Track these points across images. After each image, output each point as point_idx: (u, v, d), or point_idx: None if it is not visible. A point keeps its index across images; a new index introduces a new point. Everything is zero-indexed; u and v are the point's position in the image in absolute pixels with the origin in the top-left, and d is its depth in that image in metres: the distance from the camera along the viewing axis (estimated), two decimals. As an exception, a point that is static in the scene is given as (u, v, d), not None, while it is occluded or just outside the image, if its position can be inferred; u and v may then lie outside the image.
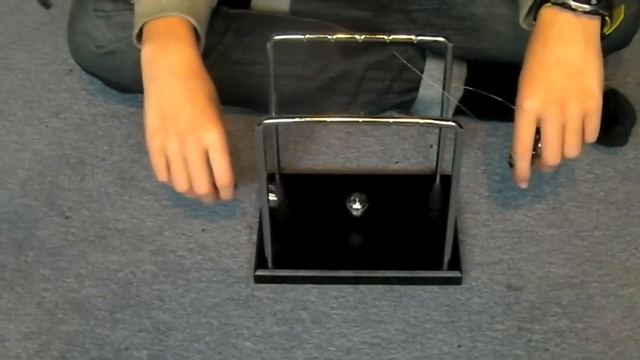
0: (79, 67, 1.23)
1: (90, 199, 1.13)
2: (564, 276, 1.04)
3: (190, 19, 0.98)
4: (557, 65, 0.94)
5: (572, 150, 0.96)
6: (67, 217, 1.11)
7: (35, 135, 1.22)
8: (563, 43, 0.94)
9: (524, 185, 1.00)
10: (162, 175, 0.96)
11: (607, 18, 0.95)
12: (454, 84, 1.15)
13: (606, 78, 1.17)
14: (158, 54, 0.96)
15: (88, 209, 1.12)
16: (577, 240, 1.08)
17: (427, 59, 1.17)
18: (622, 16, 0.97)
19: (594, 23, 0.94)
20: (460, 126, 0.88)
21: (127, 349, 0.98)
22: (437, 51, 1.18)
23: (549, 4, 0.95)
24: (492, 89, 1.12)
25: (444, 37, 0.98)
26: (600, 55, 0.95)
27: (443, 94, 1.04)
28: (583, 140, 0.96)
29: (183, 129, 0.93)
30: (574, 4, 0.93)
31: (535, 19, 0.97)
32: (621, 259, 1.06)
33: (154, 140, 0.95)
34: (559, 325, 1.00)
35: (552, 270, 1.05)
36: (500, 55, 1.18)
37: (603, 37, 0.96)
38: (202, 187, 0.96)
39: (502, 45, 1.17)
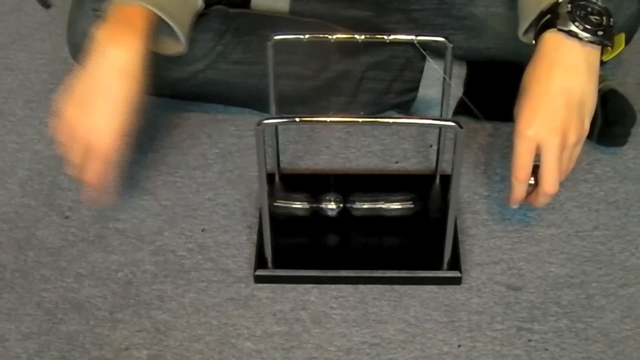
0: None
1: (90, 199, 1.13)
2: (564, 276, 1.04)
3: (152, 8, 0.98)
4: (560, 95, 0.93)
5: (563, 178, 0.96)
6: (67, 217, 1.11)
7: (35, 135, 1.22)
8: (568, 72, 0.93)
9: (515, 206, 1.01)
10: (57, 133, 1.00)
11: (609, 47, 0.95)
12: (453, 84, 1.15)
13: (606, 78, 1.18)
14: (104, 40, 0.97)
15: (88, 209, 1.12)
16: (577, 240, 1.08)
17: (427, 59, 1.17)
18: (622, 45, 0.97)
19: (596, 52, 0.94)
20: (460, 126, 0.89)
21: (127, 349, 0.98)
22: (437, 51, 1.18)
23: (555, 29, 0.93)
24: (492, 88, 1.12)
25: (444, 37, 0.98)
26: (597, 86, 0.95)
27: (443, 94, 1.04)
28: None
29: (85, 123, 0.97)
30: (581, 33, 0.92)
31: (536, 38, 0.96)
32: (621, 259, 1.06)
33: (67, 112, 0.98)
34: (559, 325, 1.00)
35: (552, 270, 1.05)
36: (500, 55, 1.18)
37: (602, 63, 0.96)
38: (72, 170, 1.00)
39: (502, 45, 1.17)
